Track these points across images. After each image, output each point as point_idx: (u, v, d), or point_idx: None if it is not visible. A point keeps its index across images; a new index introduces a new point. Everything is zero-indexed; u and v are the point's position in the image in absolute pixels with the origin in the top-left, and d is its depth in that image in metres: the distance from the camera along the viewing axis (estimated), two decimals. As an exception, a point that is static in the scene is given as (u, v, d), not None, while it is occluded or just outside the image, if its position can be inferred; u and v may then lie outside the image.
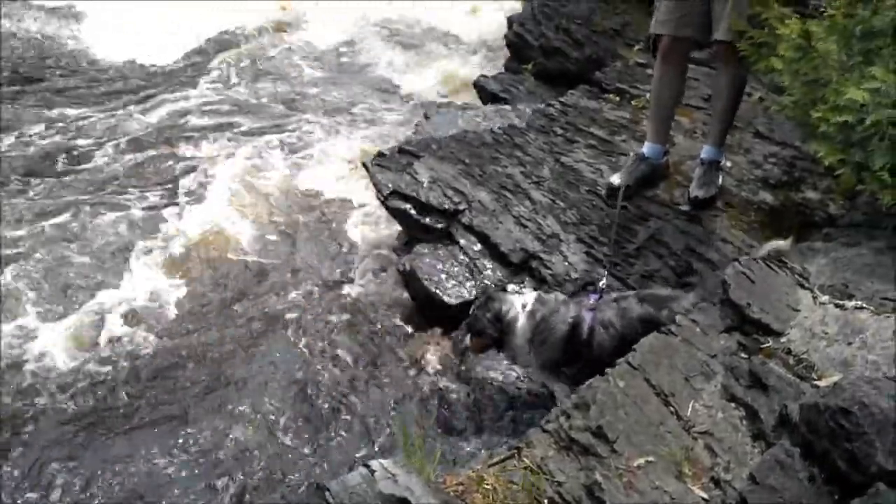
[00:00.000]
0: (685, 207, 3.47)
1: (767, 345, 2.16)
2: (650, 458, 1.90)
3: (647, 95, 3.96)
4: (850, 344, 2.08)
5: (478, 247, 3.67)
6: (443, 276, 3.59)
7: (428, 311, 3.65)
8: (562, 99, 4.54)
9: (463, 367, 3.34)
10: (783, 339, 2.17)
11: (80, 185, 5.03)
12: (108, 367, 3.47)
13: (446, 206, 3.82)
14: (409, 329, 3.68)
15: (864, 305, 2.21)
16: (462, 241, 3.69)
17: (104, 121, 5.96)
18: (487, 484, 1.94)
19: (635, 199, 3.54)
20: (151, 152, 5.46)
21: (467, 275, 3.57)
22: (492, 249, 3.62)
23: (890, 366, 1.94)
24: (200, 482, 2.87)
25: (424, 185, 3.94)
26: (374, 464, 1.77)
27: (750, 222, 3.36)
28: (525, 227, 3.64)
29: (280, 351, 3.57)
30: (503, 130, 4.35)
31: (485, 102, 5.47)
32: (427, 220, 3.84)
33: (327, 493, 1.72)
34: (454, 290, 3.52)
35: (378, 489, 1.69)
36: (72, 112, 6.13)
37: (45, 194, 4.88)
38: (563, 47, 5.45)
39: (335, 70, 7.19)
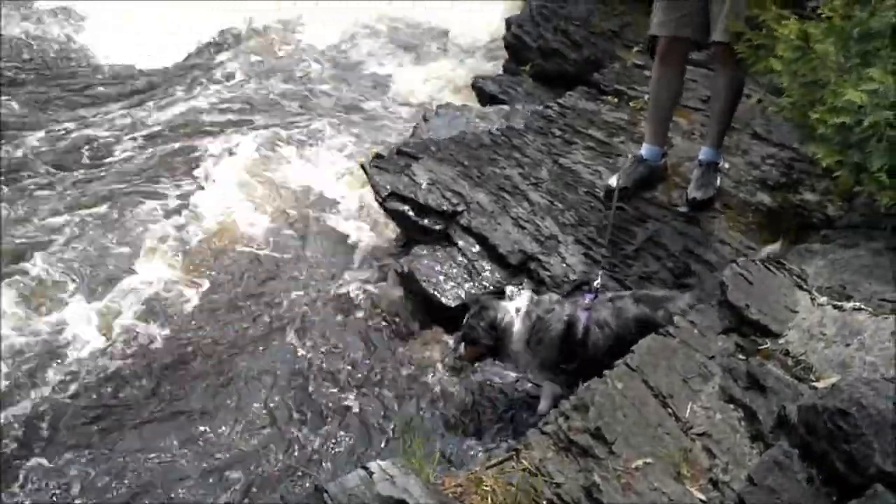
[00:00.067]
0: (683, 209, 3.47)
1: (765, 346, 2.17)
2: (648, 460, 1.91)
3: (646, 97, 3.96)
4: (848, 345, 2.08)
5: (476, 248, 3.66)
6: (441, 277, 3.59)
7: (426, 313, 3.65)
8: (560, 100, 4.53)
9: (461, 370, 3.34)
10: (781, 341, 2.17)
11: (94, 184, 5.10)
12: (120, 362, 3.54)
13: (445, 208, 3.82)
14: (408, 331, 3.67)
15: (863, 307, 2.21)
16: (460, 243, 3.69)
17: (120, 119, 6.06)
18: (486, 485, 1.95)
19: (633, 200, 3.55)
20: (163, 148, 5.55)
21: (466, 276, 3.57)
22: (490, 251, 3.62)
23: (888, 367, 1.94)
24: (200, 482, 2.88)
25: (423, 186, 3.94)
26: (373, 465, 1.77)
27: (748, 224, 3.36)
28: (523, 228, 3.64)
29: (278, 351, 3.57)
30: (501, 132, 4.35)
31: (483, 104, 5.46)
32: (425, 221, 3.84)
33: (325, 495, 1.72)
34: (452, 291, 3.52)
35: (376, 491, 1.69)
36: (84, 112, 6.21)
37: (51, 199, 4.91)
38: (561, 49, 5.44)
39: (334, 71, 7.17)
